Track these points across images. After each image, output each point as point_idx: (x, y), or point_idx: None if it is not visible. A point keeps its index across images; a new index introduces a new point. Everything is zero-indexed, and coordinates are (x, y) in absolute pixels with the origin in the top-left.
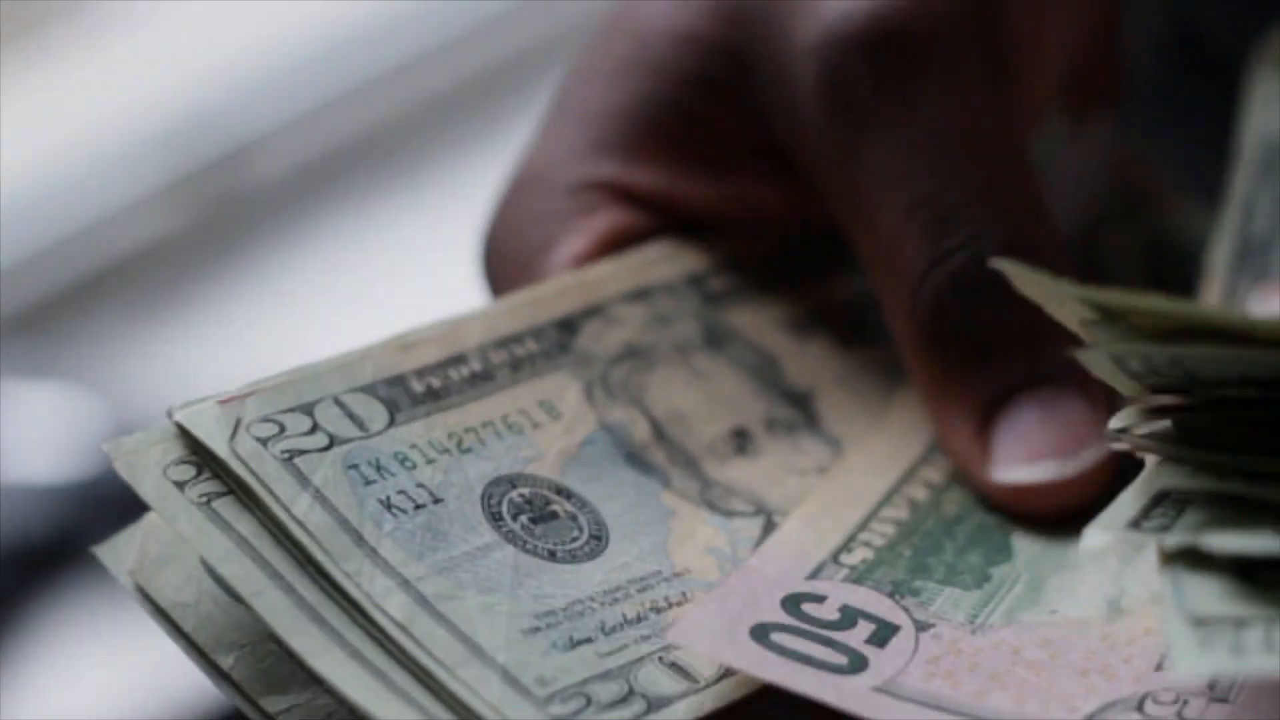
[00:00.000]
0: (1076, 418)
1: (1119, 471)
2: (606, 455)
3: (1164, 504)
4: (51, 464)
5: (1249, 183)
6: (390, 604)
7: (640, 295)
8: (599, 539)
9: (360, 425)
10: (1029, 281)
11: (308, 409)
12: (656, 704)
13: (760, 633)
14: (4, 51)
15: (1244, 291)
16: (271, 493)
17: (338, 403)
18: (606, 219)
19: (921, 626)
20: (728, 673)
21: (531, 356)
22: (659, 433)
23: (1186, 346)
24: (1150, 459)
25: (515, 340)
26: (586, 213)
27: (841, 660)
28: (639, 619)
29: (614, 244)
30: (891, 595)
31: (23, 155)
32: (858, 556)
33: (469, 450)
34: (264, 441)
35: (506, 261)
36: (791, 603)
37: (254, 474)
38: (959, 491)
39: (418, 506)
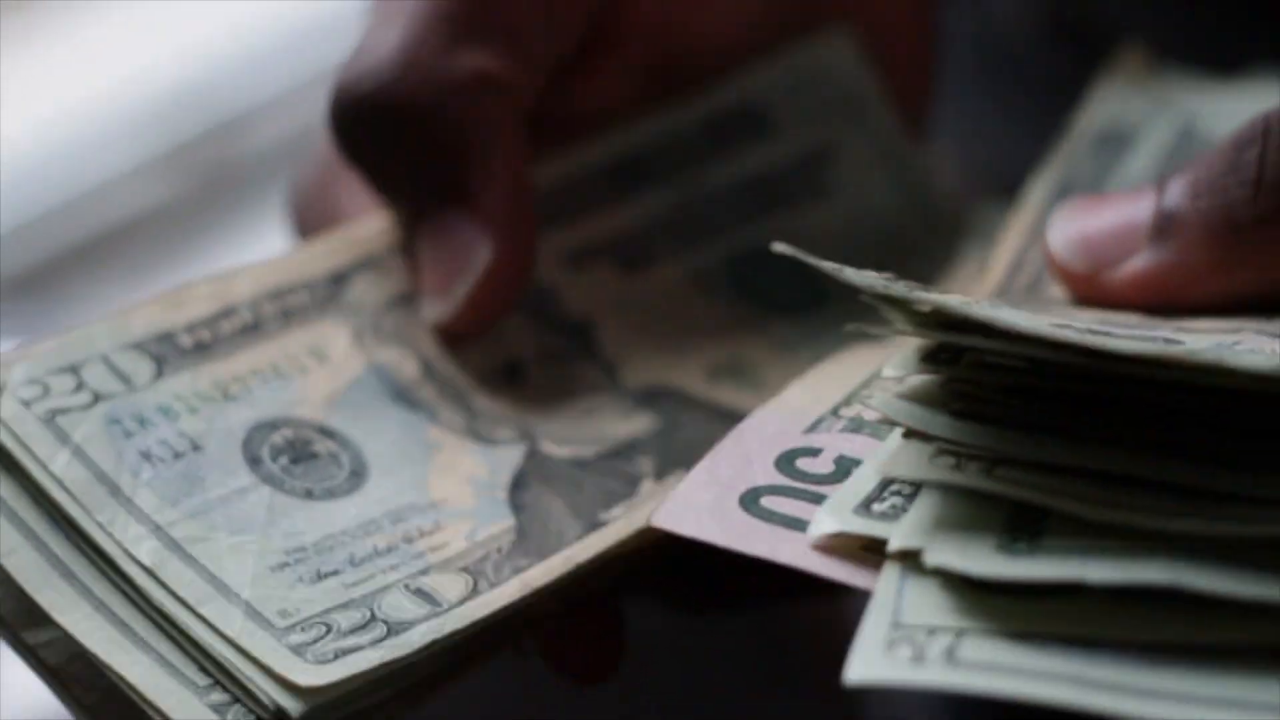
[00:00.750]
0: (459, 252)
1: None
2: (374, 394)
3: (896, 484)
4: None
5: (1076, 154)
6: (140, 550)
7: None
8: (359, 475)
9: (126, 381)
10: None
11: (75, 369)
12: (396, 629)
13: (751, 498)
14: (2, 20)
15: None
16: (30, 451)
17: (105, 361)
18: None
19: None
20: (473, 594)
21: (303, 307)
22: (429, 370)
23: (966, 336)
24: (894, 433)
25: (288, 291)
26: None
27: None
28: (389, 549)
29: None
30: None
31: (21, 123)
32: (857, 409)
33: (235, 398)
34: (27, 403)
35: (306, 214)
36: (786, 460)
37: (13, 435)
38: None
39: (177, 455)
